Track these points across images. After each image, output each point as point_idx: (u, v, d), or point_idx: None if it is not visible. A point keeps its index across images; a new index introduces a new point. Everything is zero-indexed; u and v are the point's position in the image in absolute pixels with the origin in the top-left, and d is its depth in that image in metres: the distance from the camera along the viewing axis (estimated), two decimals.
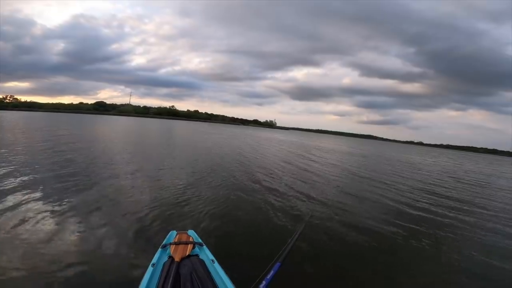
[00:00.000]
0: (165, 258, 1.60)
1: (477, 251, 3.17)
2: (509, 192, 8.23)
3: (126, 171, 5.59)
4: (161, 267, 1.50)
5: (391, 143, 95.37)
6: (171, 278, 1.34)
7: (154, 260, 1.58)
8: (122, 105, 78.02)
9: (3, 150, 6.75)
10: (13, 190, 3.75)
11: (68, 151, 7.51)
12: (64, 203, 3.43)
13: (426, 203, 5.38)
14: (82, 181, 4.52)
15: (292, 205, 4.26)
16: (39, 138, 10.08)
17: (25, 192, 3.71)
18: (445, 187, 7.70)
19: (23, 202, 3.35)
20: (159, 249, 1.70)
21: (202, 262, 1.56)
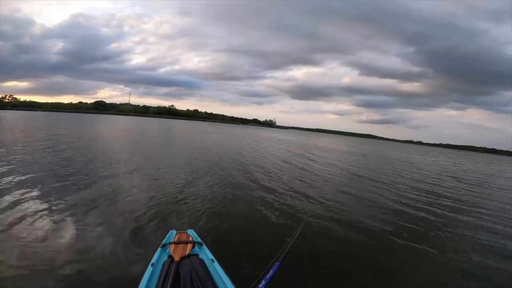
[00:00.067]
0: (165, 258, 1.60)
1: (475, 251, 3.18)
2: (508, 192, 8.25)
3: (125, 170, 5.59)
4: (160, 267, 1.50)
5: (391, 143, 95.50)
6: (170, 278, 1.34)
7: (153, 259, 1.58)
8: (121, 104, 77.85)
9: (2, 150, 6.73)
10: (11, 189, 3.74)
11: (67, 150, 7.50)
12: (63, 202, 3.42)
13: (425, 202, 5.40)
14: (81, 180, 4.51)
15: (291, 204, 4.26)
16: (38, 138, 10.06)
17: (23, 191, 3.71)
18: (444, 187, 7.71)
19: (22, 200, 3.34)
20: (159, 249, 1.70)
21: (201, 262, 1.56)
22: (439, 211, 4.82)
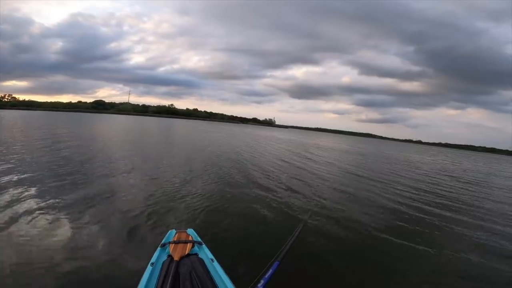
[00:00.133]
0: (164, 257, 1.60)
1: (474, 251, 3.19)
2: (507, 192, 8.28)
3: (124, 169, 5.58)
4: (160, 266, 1.50)
5: (390, 142, 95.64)
6: (170, 277, 1.34)
7: (153, 259, 1.58)
8: (120, 103, 77.94)
9: (1, 148, 6.72)
10: (10, 188, 3.73)
11: (66, 149, 7.48)
12: (62, 201, 3.42)
13: (424, 202, 5.41)
14: (80, 179, 4.51)
15: (291, 204, 4.26)
16: (37, 137, 10.04)
17: (22, 189, 3.70)
18: (443, 186, 7.73)
19: (20, 199, 3.33)
20: (158, 248, 1.70)
21: (201, 261, 1.56)
22: (437, 210, 4.83)
